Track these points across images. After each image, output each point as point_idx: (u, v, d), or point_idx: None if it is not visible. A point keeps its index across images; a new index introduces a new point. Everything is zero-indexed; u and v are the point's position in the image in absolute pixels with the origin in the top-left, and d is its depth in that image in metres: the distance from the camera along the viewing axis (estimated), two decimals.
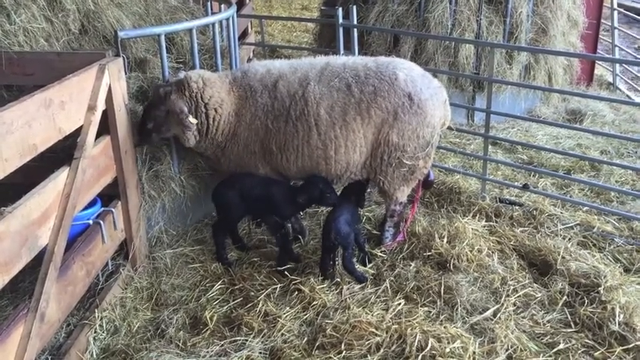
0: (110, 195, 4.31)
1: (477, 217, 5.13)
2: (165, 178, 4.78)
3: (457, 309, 3.93)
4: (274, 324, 3.91)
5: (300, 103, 4.41)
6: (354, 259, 4.45)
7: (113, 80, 4.05)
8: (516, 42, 7.79)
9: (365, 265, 4.54)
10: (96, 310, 3.80)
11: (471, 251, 4.50)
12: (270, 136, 4.51)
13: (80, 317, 3.79)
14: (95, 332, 3.73)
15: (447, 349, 3.45)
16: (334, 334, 3.71)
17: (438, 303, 4.03)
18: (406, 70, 4.47)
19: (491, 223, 5.07)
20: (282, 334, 3.82)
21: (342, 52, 5.99)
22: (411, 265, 4.46)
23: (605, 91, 9.89)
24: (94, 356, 3.63)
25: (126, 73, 4.34)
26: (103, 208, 4.10)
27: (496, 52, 7.07)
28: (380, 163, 4.48)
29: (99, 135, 4.03)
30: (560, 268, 4.25)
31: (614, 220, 5.09)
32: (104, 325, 3.81)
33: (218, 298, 4.24)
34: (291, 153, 4.49)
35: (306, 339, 3.77)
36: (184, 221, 5.06)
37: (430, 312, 3.96)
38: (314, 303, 4.09)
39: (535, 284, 4.23)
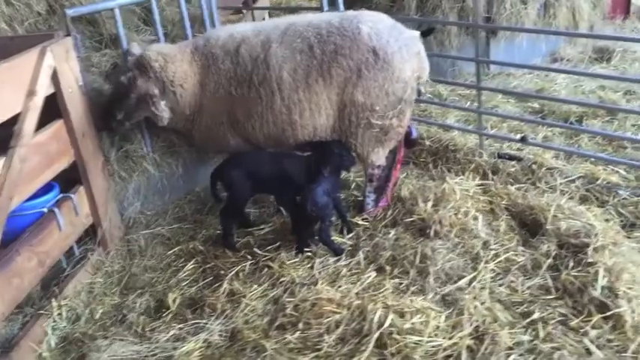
0: (76, 179, 4.23)
1: (471, 176, 4.75)
2: (136, 158, 4.67)
3: (429, 279, 3.64)
4: (239, 304, 3.75)
5: (262, 67, 4.16)
6: (332, 231, 4.23)
7: (60, 62, 3.91)
8: None
9: (343, 236, 4.28)
10: (53, 299, 3.73)
11: (455, 214, 4.16)
12: (235, 104, 4.29)
13: (38, 307, 3.74)
14: (54, 321, 3.68)
15: (407, 325, 3.19)
16: (294, 313, 3.51)
17: (411, 273, 3.74)
18: (371, 22, 4.10)
19: (486, 182, 4.68)
20: (245, 314, 3.65)
21: (326, 8, 5.60)
22: (390, 233, 4.18)
23: None
24: (52, 346, 3.57)
25: (77, 53, 4.20)
26: (61, 195, 4.01)
27: None
28: (349, 125, 4.18)
29: (52, 119, 3.94)
30: (550, 228, 3.85)
31: (623, 169, 4.60)
32: (64, 313, 3.74)
33: (188, 279, 4.11)
34: (256, 120, 4.26)
35: (267, 319, 3.59)
36: (162, 200, 4.94)
37: (401, 284, 3.68)
38: (283, 279, 3.90)
39: (521, 247, 3.86)
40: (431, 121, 5.79)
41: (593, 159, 4.81)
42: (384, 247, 4.05)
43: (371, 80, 4.02)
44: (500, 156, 4.99)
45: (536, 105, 6.14)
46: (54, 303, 3.72)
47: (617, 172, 4.59)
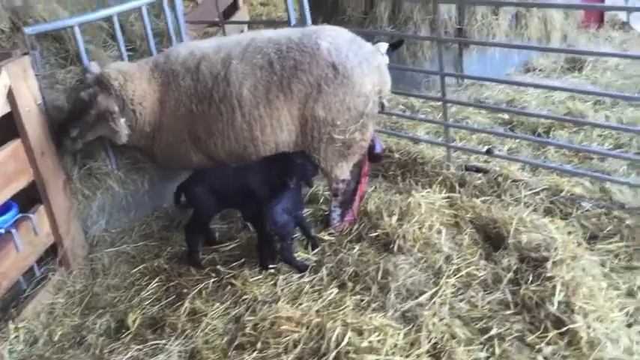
0: (37, 199, 4.18)
1: (438, 189, 4.73)
2: (100, 175, 4.60)
3: (390, 295, 3.61)
4: (199, 323, 3.70)
5: (222, 84, 4.14)
6: (298, 247, 4.21)
7: (16, 81, 3.87)
8: None
9: (308, 252, 4.25)
10: (10, 322, 3.68)
11: (420, 228, 4.13)
12: (195, 121, 4.26)
13: None
14: (11, 344, 3.61)
15: (364, 344, 3.16)
16: (253, 332, 3.47)
17: (373, 289, 3.72)
18: (330, 37, 4.10)
19: (452, 194, 4.67)
20: (206, 334, 3.61)
21: (293, 22, 5.60)
22: (355, 249, 4.15)
23: (618, 32, 9.07)
24: None
25: (37, 71, 4.16)
26: (21, 214, 3.95)
27: None
28: (311, 140, 4.16)
29: (10, 138, 3.90)
30: (511, 242, 3.84)
31: (587, 181, 4.61)
32: (21, 335, 3.68)
33: (151, 298, 4.06)
34: (218, 137, 4.23)
35: (227, 338, 3.54)
36: (128, 217, 4.88)
37: (362, 300, 3.66)
38: (245, 297, 3.86)
39: (483, 261, 3.84)
40: (400, 134, 5.78)
41: (558, 171, 4.81)
42: (348, 262, 4.02)
43: (331, 95, 4.00)
44: (467, 168, 4.98)
45: (505, 116, 6.14)
46: (11, 325, 3.67)
47: (582, 183, 4.60)
